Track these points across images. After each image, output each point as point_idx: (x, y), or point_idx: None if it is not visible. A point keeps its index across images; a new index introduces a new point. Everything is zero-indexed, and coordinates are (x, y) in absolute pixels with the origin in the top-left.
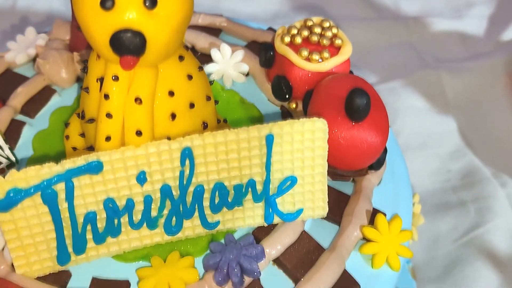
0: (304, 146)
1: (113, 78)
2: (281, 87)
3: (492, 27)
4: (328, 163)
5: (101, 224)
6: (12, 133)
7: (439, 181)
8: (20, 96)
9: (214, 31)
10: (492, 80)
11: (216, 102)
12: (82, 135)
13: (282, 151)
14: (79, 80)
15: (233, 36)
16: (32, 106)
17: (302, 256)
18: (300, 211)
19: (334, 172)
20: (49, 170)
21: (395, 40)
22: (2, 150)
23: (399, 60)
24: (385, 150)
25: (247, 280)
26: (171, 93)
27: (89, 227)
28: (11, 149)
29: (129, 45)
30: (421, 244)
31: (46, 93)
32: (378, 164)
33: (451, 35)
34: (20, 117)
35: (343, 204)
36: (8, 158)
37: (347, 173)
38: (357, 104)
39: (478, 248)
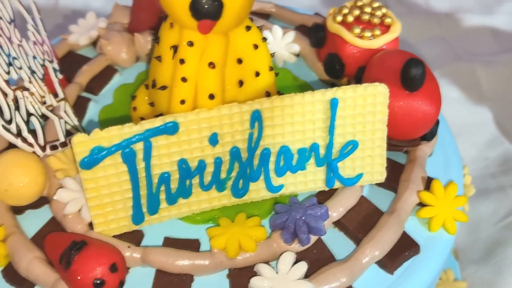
0: (365, 110)
1: (188, 44)
2: (334, 65)
3: None
4: None
5: (173, 185)
6: (79, 109)
7: (477, 168)
8: (85, 74)
9: (263, 16)
10: None
11: (276, 74)
12: (151, 104)
13: (344, 115)
14: (138, 60)
15: (281, 21)
16: (96, 84)
17: (362, 219)
18: (360, 176)
19: (388, 142)
20: (129, 129)
21: (427, 35)
22: (72, 121)
23: (432, 53)
24: (437, 122)
25: (312, 239)
26: (239, 61)
27: (162, 188)
28: (80, 121)
29: (208, 9)
30: (462, 227)
31: (108, 72)
32: (431, 135)
33: (482, 30)
34: (85, 94)
35: (398, 172)
36: (78, 129)
37: (401, 143)
38: (413, 73)
39: None
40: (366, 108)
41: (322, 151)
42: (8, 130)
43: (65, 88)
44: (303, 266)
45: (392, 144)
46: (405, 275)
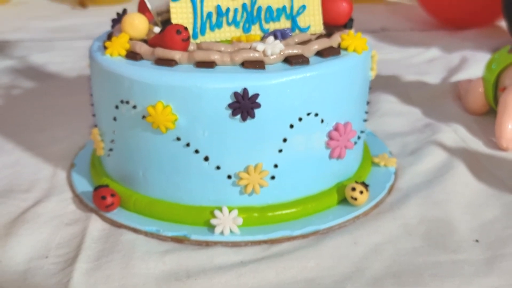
0: None
1: None
2: None
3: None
4: None
5: (213, 20)
6: None
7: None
8: None
9: None
10: (443, 99)
11: None
12: None
13: None
14: None
15: None
16: None
17: None
18: (309, 27)
19: (324, 27)
20: None
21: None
22: None
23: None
24: (352, 20)
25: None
26: None
27: (208, 20)
28: None
29: None
30: (395, 145)
31: None
32: (349, 25)
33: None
34: None
35: None
36: None
37: (334, 28)
38: None
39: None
40: None
41: (288, 10)
42: None
43: None
44: None
45: (327, 27)
46: None
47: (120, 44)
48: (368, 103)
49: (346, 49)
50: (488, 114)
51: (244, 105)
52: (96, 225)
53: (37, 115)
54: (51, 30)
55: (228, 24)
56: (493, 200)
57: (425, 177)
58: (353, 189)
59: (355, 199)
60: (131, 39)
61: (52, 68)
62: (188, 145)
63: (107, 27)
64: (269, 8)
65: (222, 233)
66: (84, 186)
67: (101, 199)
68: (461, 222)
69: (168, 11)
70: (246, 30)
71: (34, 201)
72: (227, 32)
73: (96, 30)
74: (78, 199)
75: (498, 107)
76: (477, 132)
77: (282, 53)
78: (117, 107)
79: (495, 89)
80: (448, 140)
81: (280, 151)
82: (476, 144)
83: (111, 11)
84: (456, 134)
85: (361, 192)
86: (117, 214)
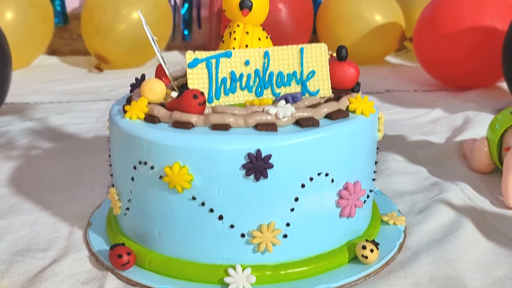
0: (317, 55)
1: (237, 25)
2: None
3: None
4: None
5: (227, 86)
6: None
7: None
8: None
9: None
10: (449, 158)
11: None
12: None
13: (307, 56)
14: None
15: None
16: None
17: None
18: (318, 91)
19: (333, 91)
20: (209, 53)
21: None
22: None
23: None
24: (359, 83)
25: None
26: (259, 39)
27: (223, 85)
28: None
29: (246, 4)
30: (404, 206)
31: None
32: (357, 88)
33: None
34: None
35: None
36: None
37: (341, 91)
38: (342, 51)
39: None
40: (317, 54)
41: (298, 76)
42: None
43: None
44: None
45: (335, 91)
46: None
47: (139, 108)
48: (376, 162)
49: (354, 111)
50: (494, 173)
51: (257, 166)
52: (112, 284)
53: (54, 175)
54: (68, 92)
55: (242, 88)
56: (502, 258)
57: (434, 235)
58: (364, 247)
59: (366, 257)
60: (149, 103)
61: (70, 129)
62: (203, 204)
63: (122, 89)
64: (280, 74)
65: None
66: (100, 244)
67: (118, 257)
68: (472, 280)
69: (184, 76)
70: (259, 94)
71: (51, 259)
72: (241, 96)
73: (111, 92)
74: (95, 257)
75: (503, 166)
76: (483, 191)
77: (293, 116)
78: (135, 167)
79: (500, 149)
80: (456, 198)
81: (292, 210)
82: (483, 203)
83: (125, 75)
84: (463, 193)
85: (372, 251)
86: (132, 273)
